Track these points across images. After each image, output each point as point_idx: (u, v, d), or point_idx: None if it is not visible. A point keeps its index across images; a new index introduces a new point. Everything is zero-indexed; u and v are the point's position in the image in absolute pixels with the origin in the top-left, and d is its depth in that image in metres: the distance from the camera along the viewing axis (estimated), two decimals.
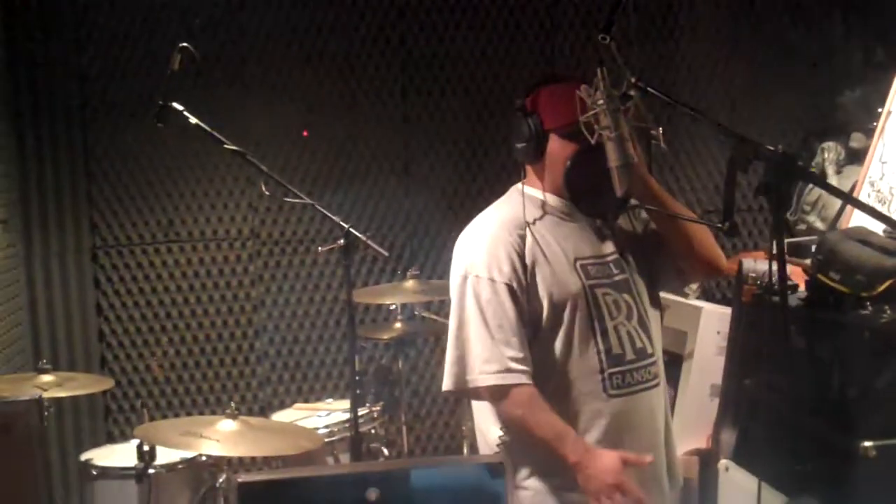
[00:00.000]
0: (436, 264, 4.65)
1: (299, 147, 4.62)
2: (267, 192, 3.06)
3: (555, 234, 2.50)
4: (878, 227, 2.97)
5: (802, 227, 4.34)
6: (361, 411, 3.60)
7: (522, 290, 2.45)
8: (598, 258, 2.53)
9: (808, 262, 3.48)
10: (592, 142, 2.23)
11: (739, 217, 4.58)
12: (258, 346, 4.67)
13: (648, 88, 2.13)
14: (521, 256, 2.45)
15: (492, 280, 2.45)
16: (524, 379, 2.43)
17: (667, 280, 2.65)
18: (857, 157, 4.22)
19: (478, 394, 2.51)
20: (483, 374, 2.43)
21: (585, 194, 2.48)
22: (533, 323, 2.46)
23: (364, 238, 3.00)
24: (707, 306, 4.15)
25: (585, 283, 2.48)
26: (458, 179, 4.73)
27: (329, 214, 3.03)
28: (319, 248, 3.24)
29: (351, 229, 2.98)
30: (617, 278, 2.53)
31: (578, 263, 2.49)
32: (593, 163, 2.29)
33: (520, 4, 4.69)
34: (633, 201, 2.49)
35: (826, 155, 4.31)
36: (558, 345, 2.46)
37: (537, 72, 4.55)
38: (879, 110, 3.84)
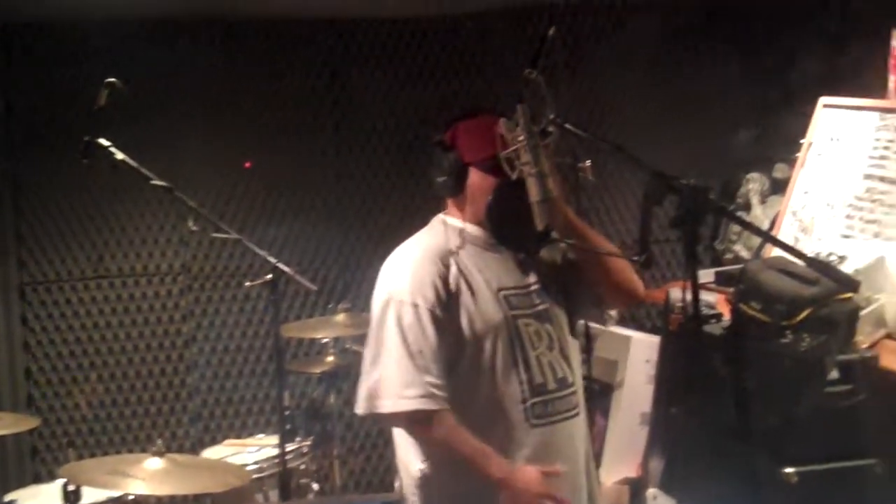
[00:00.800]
0: (367, 297, 4.61)
1: (230, 182, 4.61)
2: (195, 228, 3.05)
3: (477, 264, 2.52)
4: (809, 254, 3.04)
5: (730, 256, 4.41)
6: (291, 447, 3.58)
7: (445, 318, 2.46)
8: (520, 289, 2.55)
9: (731, 290, 3.56)
10: (513, 177, 2.27)
11: (668, 247, 4.67)
12: (189, 381, 4.63)
13: (566, 125, 2.17)
14: (446, 284, 2.47)
15: (415, 305, 2.45)
16: (444, 405, 2.44)
17: (586, 309, 2.69)
18: (780, 187, 4.31)
19: (392, 419, 2.50)
20: (403, 398, 2.42)
21: (506, 228, 2.50)
22: (454, 352, 2.47)
23: (291, 272, 3.00)
24: (636, 335, 4.20)
25: (508, 313, 2.50)
26: (389, 212, 4.74)
27: (257, 249, 3.03)
28: (247, 283, 3.23)
29: (278, 264, 2.98)
30: (538, 308, 2.55)
31: (501, 294, 2.52)
32: (514, 197, 2.32)
33: (448, 38, 4.73)
34: (553, 234, 2.53)
35: (751, 185, 4.39)
36: (480, 375, 2.48)
37: (462, 106, 4.60)
38: (801, 141, 3.93)
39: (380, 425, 2.63)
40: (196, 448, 4.44)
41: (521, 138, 2.24)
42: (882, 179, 3.37)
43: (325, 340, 4.10)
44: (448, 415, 2.42)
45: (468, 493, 2.45)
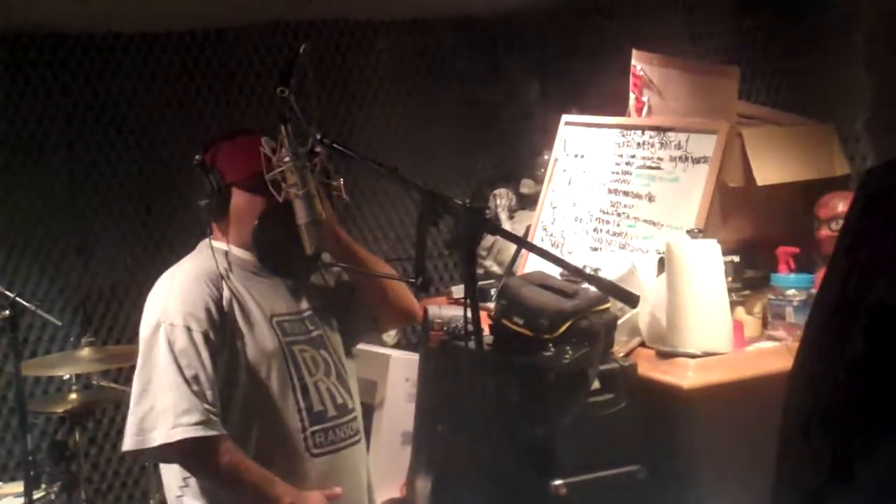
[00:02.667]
0: (111, 329, 4.39)
1: None
2: None
3: (249, 290, 2.42)
4: (554, 272, 3.10)
5: (480, 271, 4.47)
6: (38, 494, 3.31)
7: (219, 342, 2.34)
8: (294, 314, 2.47)
9: (490, 306, 3.59)
10: (280, 199, 2.18)
11: (428, 264, 4.68)
12: None
13: (335, 145, 2.10)
14: (219, 307, 2.36)
15: (188, 328, 2.33)
16: (223, 430, 2.31)
17: (362, 331, 2.65)
18: (527, 202, 4.41)
19: (166, 451, 2.33)
20: (180, 426, 2.28)
21: (274, 252, 2.42)
22: (229, 380, 2.35)
23: (32, 307, 2.78)
24: (395, 353, 4.17)
25: (282, 339, 2.41)
26: (133, 239, 4.48)
27: None
28: None
29: (17, 298, 2.75)
30: (313, 334, 2.48)
31: (274, 320, 2.43)
32: (281, 220, 2.24)
33: (192, 58, 4.54)
34: (325, 257, 2.46)
35: (498, 201, 4.47)
36: (257, 404, 2.38)
37: (214, 128, 4.43)
38: (546, 157, 4.04)
39: (150, 461, 2.45)
40: None
41: (286, 159, 2.16)
42: (626, 194, 3.50)
43: (66, 377, 3.83)
44: (228, 441, 2.31)
45: None
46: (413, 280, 2.07)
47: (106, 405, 4.18)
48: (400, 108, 4.79)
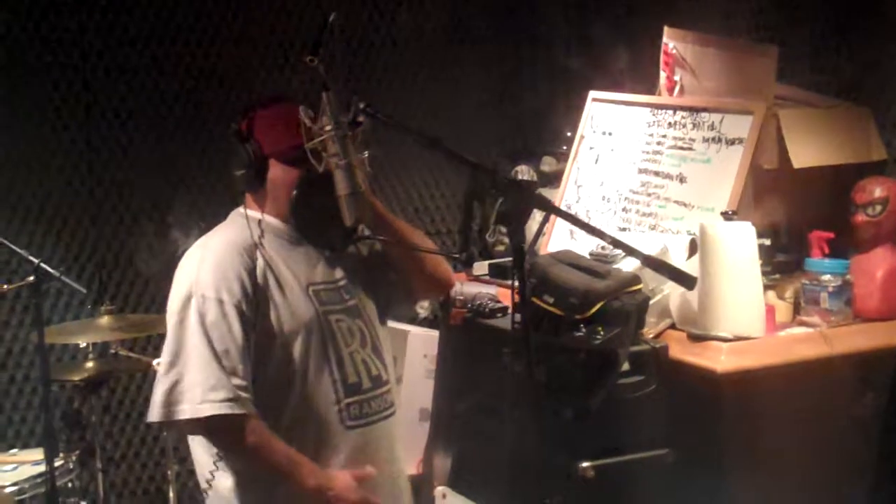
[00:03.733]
0: (128, 297, 4.35)
1: None
2: None
3: (284, 259, 2.38)
4: (583, 252, 3.06)
5: (501, 247, 4.42)
6: (56, 462, 3.27)
7: (253, 314, 2.29)
8: (329, 283, 2.43)
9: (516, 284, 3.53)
10: (320, 169, 2.14)
11: (449, 239, 4.64)
12: None
13: (378, 115, 2.05)
14: (252, 278, 2.31)
15: (220, 301, 2.27)
16: (252, 409, 2.27)
17: (396, 301, 2.61)
18: (548, 180, 4.35)
19: (192, 426, 2.30)
20: (207, 402, 2.23)
21: (313, 224, 2.37)
22: (262, 352, 2.30)
23: (57, 274, 2.73)
24: (414, 330, 4.14)
25: (319, 308, 2.37)
26: (150, 208, 4.43)
27: (15, 248, 2.74)
28: (5, 286, 2.92)
29: (41, 264, 2.70)
30: (349, 303, 2.44)
31: (311, 289, 2.38)
32: (320, 191, 2.20)
33: (214, 23, 4.48)
34: (362, 230, 2.41)
35: (520, 178, 4.40)
36: (291, 375, 2.33)
37: (233, 97, 4.38)
38: (569, 134, 3.98)
39: (177, 433, 2.41)
40: None
41: (328, 128, 2.11)
42: (657, 174, 3.45)
43: (83, 345, 3.80)
44: (256, 420, 2.26)
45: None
46: (457, 255, 2.02)
47: (121, 374, 4.14)
48: (422, 83, 4.73)
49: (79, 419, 3.68)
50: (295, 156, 2.26)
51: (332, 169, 2.11)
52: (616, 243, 2.02)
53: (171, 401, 2.27)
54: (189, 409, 2.25)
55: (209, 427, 2.28)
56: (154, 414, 2.29)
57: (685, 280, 2.07)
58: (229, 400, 2.24)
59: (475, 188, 1.77)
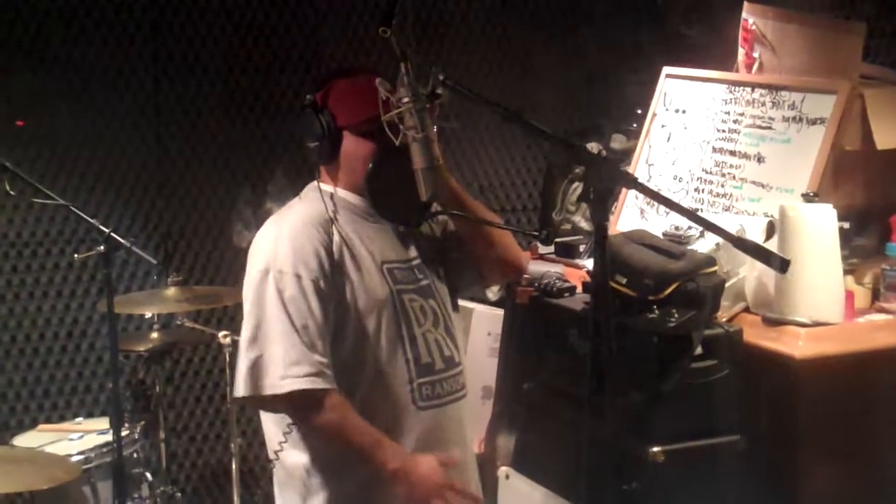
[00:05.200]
0: (192, 268, 4.37)
1: (37, 143, 4.18)
2: (12, 193, 2.73)
3: (360, 235, 2.35)
4: (654, 232, 3.00)
5: (567, 226, 4.35)
6: (122, 433, 3.29)
7: (329, 290, 2.27)
8: (404, 262, 2.40)
9: (579, 263, 3.50)
10: (396, 142, 2.09)
11: (514, 217, 4.60)
12: None
13: (458, 87, 2.00)
14: (329, 253, 2.28)
15: (297, 276, 2.25)
16: (334, 384, 2.24)
17: (468, 283, 2.57)
18: (618, 158, 4.27)
19: (276, 402, 2.27)
20: (289, 378, 2.21)
21: (388, 198, 2.33)
22: (337, 328, 2.28)
23: (128, 244, 2.73)
24: (478, 307, 4.09)
25: (393, 287, 2.33)
26: (218, 178, 4.43)
27: (87, 217, 2.74)
28: (76, 255, 2.92)
29: (112, 234, 2.70)
30: (422, 283, 2.41)
31: (385, 267, 2.35)
32: (396, 164, 2.16)
33: None
34: (436, 206, 2.37)
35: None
36: (364, 353, 2.31)
37: (301, 67, 4.36)
38: (639, 111, 3.90)
39: (260, 409, 2.40)
40: (3, 434, 4.05)
41: (405, 100, 2.06)
42: (732, 153, 3.37)
43: (148, 315, 3.81)
44: (338, 396, 2.24)
45: (354, 485, 2.27)
46: (537, 233, 1.97)
47: (186, 345, 4.16)
48: (492, 56, 4.68)
49: (143, 390, 3.70)
50: (370, 128, 2.23)
51: (408, 142, 2.07)
52: (706, 224, 1.95)
53: (253, 376, 2.25)
54: (271, 384, 2.23)
55: (292, 402, 2.25)
56: (239, 389, 2.28)
57: (778, 263, 2.00)
58: (312, 375, 2.22)
59: (555, 163, 1.71)
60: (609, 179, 1.76)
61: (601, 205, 1.75)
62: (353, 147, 2.33)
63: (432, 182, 2.07)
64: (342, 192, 2.40)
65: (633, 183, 1.83)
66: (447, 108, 2.12)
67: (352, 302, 2.30)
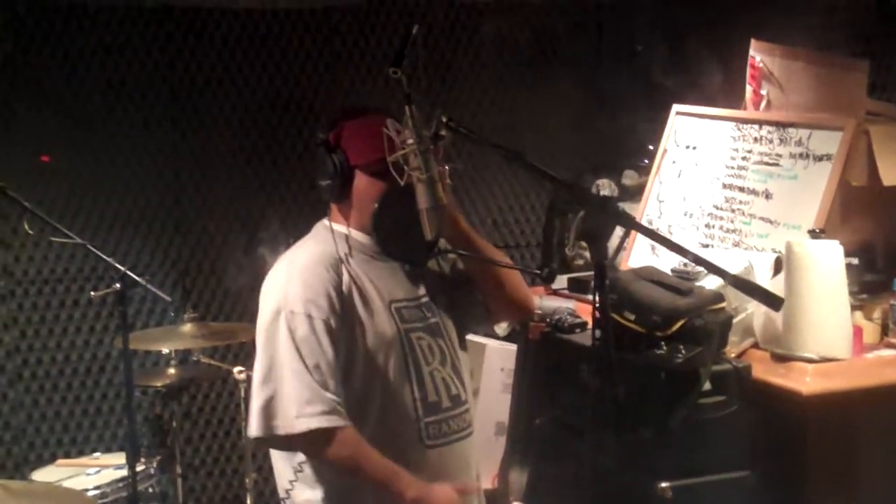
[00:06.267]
0: (210, 305, 4.41)
1: (57, 181, 4.25)
2: (31, 232, 2.78)
3: (368, 274, 2.38)
4: (664, 268, 3.02)
5: (580, 262, 4.38)
6: (138, 467, 3.33)
7: (339, 329, 2.30)
8: (412, 301, 2.42)
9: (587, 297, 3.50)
10: (402, 183, 2.13)
11: (527, 252, 4.62)
12: (12, 395, 4.27)
13: (460, 128, 2.04)
14: (339, 293, 2.31)
15: (309, 316, 2.28)
16: (348, 421, 2.27)
17: (477, 321, 2.59)
18: (629, 194, 4.30)
19: (290, 441, 2.30)
20: (304, 416, 2.24)
21: (393, 237, 2.36)
22: (346, 366, 2.31)
23: (143, 281, 2.78)
24: (491, 343, 4.10)
25: (401, 326, 2.36)
26: (234, 216, 4.49)
27: (103, 256, 2.79)
28: (92, 293, 2.96)
29: (128, 272, 2.75)
30: (430, 322, 2.43)
31: (393, 306, 2.38)
32: (402, 204, 2.19)
33: (298, 36, 4.52)
34: (442, 245, 2.41)
35: (602, 192, 4.36)
36: (372, 392, 2.33)
37: (318, 106, 4.42)
38: (650, 148, 3.93)
39: (274, 448, 2.42)
40: (22, 469, 4.11)
41: (410, 141, 2.11)
42: (741, 189, 3.39)
43: (165, 351, 3.85)
44: (353, 431, 2.26)
45: None
46: (539, 271, 2.00)
47: (203, 381, 4.20)
48: (503, 94, 4.73)
49: (160, 425, 3.73)
50: (380, 168, 2.26)
51: (413, 182, 2.11)
52: (700, 261, 1.98)
53: (268, 415, 2.28)
54: (285, 424, 2.26)
55: (307, 440, 2.28)
56: (253, 429, 2.31)
57: (772, 300, 2.02)
58: (325, 413, 2.25)
59: (556, 202, 1.74)
60: (606, 219, 1.79)
61: (599, 243, 1.78)
62: (364, 186, 2.37)
63: (437, 222, 2.11)
64: (353, 231, 2.43)
65: (631, 223, 1.86)
66: (450, 149, 2.16)
67: (360, 341, 2.33)
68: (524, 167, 1.95)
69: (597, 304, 1.88)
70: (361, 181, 2.37)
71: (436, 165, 2.11)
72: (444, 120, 2.06)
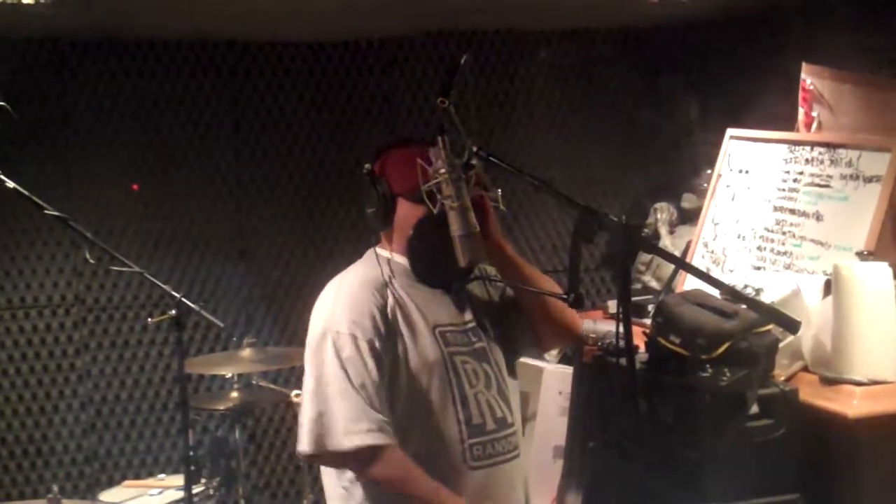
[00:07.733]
0: (271, 330, 4.51)
1: (126, 211, 4.41)
2: (92, 261, 2.89)
3: (413, 299, 2.43)
4: (714, 291, 3.01)
5: (638, 286, 4.39)
6: (197, 488, 3.42)
7: (384, 351, 2.35)
8: (457, 325, 2.47)
9: (647, 323, 3.51)
10: (435, 211, 2.19)
11: (585, 277, 4.63)
12: (84, 418, 4.42)
13: (491, 157, 2.09)
14: (384, 315, 2.37)
15: (353, 336, 2.34)
16: (395, 439, 2.32)
17: (524, 346, 2.62)
18: (688, 217, 4.30)
19: (338, 458, 2.35)
20: (351, 433, 2.29)
21: (427, 263, 2.42)
22: (390, 387, 2.36)
23: (197, 308, 2.87)
24: (549, 366, 4.12)
25: (445, 350, 2.41)
26: (294, 244, 4.60)
27: (159, 283, 2.89)
28: (149, 320, 3.07)
29: (183, 299, 2.84)
30: (476, 346, 2.47)
31: (437, 330, 2.43)
32: (436, 231, 2.24)
33: (356, 67, 4.63)
34: (488, 270, 2.46)
35: (659, 216, 4.38)
36: (416, 413, 2.38)
37: (375, 137, 4.51)
38: (709, 171, 3.93)
39: (323, 464, 2.48)
40: (93, 490, 4.24)
41: (442, 170, 2.16)
42: (792, 212, 3.37)
43: (227, 376, 3.96)
44: (399, 450, 2.31)
45: None
46: (566, 297, 2.04)
47: (265, 405, 4.29)
48: (559, 119, 4.77)
49: (223, 447, 3.82)
50: (420, 195, 2.31)
51: (446, 210, 2.16)
52: (715, 283, 2.00)
53: (318, 433, 2.34)
54: (334, 441, 2.32)
55: (356, 458, 2.33)
56: (303, 446, 2.37)
57: (788, 324, 2.03)
58: (373, 431, 2.30)
59: (579, 228, 1.78)
60: (630, 245, 1.82)
61: (623, 269, 1.81)
62: (405, 213, 2.43)
63: (470, 248, 2.16)
64: (398, 257, 2.49)
65: (653, 249, 1.88)
66: (484, 178, 2.21)
67: (404, 362, 2.39)
68: (551, 195, 1.99)
69: (620, 330, 1.90)
70: (403, 208, 2.44)
71: (468, 194, 2.16)
72: (475, 149, 2.11)
